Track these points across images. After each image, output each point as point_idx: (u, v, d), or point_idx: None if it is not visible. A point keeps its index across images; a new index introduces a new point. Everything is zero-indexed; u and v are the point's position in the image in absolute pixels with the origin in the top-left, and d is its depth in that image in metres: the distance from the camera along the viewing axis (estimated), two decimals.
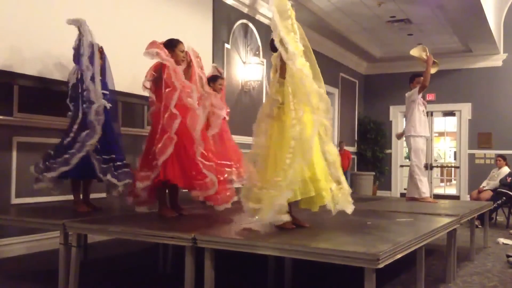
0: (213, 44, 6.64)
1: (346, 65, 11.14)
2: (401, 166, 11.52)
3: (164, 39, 3.75)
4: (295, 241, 2.68)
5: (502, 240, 5.59)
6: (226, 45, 7.11)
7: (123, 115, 5.26)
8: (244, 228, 3.04)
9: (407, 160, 6.55)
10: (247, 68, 7.48)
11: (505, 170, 7.61)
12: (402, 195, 7.12)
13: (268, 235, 2.83)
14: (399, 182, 11.61)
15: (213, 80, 5.12)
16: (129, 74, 4.70)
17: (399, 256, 2.56)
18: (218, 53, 6.89)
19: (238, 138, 5.64)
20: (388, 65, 11.49)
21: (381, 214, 4.22)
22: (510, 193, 6.99)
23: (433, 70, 5.44)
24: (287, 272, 3.36)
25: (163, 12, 5.72)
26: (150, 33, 3.73)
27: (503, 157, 7.95)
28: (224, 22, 7.07)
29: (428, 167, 10.70)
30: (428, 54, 5.48)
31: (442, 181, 13.47)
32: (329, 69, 10.11)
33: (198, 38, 5.87)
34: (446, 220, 3.79)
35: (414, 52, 5.55)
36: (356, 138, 11.69)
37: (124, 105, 5.28)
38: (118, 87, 4.26)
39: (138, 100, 5.06)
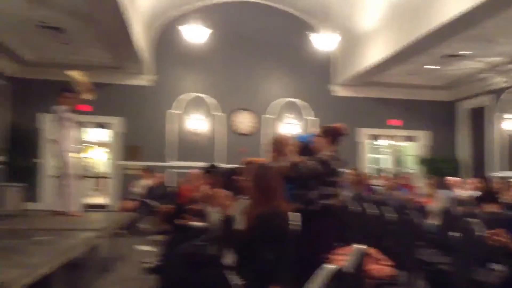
0: None
1: None
2: (51, 176, 11.12)
3: None
4: None
5: (140, 247, 6.15)
6: None
7: None
8: None
9: (57, 172, 6.37)
10: None
11: (148, 182, 8.47)
12: (52, 208, 6.90)
13: None
14: (49, 193, 11.17)
15: None
16: None
17: (30, 280, 2.50)
18: None
19: None
20: (41, 70, 10.98)
21: (23, 233, 4.00)
22: (150, 204, 7.80)
23: (88, 96, 5.55)
24: None
25: None
26: None
27: (146, 169, 8.81)
28: None
29: (79, 178, 10.67)
30: (86, 80, 5.57)
31: (94, 190, 13.77)
32: None
33: None
34: (88, 234, 3.92)
35: (73, 74, 5.53)
36: (3, 146, 10.66)
37: None
38: None
39: None
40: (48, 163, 11.09)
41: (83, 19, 7.98)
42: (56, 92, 5.93)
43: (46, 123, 10.94)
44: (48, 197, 11.14)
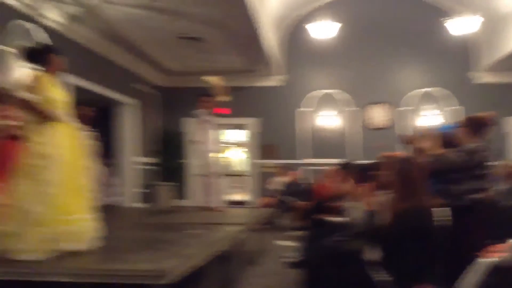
0: None
1: (144, 76, 11.14)
2: (195, 175, 11.94)
3: None
4: (87, 264, 2.62)
5: (279, 242, 6.32)
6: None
7: None
8: None
9: (201, 171, 6.84)
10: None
11: (283, 179, 8.67)
12: (198, 204, 7.53)
13: (57, 261, 2.70)
14: (194, 191, 12.03)
15: None
16: None
17: (188, 269, 2.73)
18: None
19: None
20: (183, 79, 11.89)
21: (176, 227, 4.40)
22: (286, 201, 7.99)
23: (224, 98, 5.93)
24: None
25: None
26: None
27: (281, 167, 9.03)
28: None
29: (221, 176, 11.35)
30: (222, 85, 5.95)
31: (234, 188, 14.51)
32: (126, 80, 10.00)
33: None
34: (234, 229, 4.16)
35: (210, 79, 5.94)
36: (156, 149, 11.78)
37: None
38: None
39: None
40: (191, 164, 11.99)
41: (218, 27, 8.44)
42: (196, 98, 6.39)
43: (189, 127, 11.83)
44: (193, 194, 12.04)
